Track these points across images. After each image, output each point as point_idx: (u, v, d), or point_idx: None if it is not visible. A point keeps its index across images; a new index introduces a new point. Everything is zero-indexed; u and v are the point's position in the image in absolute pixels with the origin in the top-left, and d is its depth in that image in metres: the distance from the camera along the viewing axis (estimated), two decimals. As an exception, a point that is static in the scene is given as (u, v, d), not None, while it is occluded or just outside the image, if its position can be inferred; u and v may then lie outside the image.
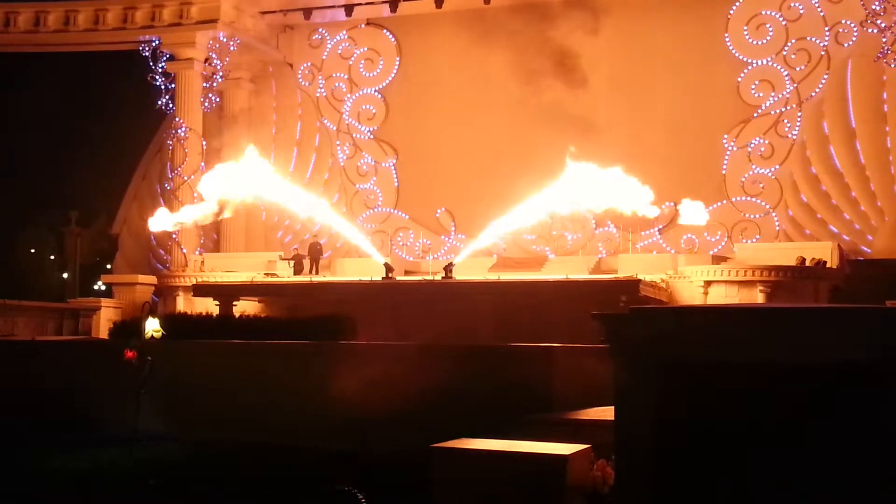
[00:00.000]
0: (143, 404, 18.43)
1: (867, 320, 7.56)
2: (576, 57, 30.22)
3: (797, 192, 28.76)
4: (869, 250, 27.62)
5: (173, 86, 32.55)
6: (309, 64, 34.52)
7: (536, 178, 30.82)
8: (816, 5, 28.97)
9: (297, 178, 33.98)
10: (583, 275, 26.07)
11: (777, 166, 29.16)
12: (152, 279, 31.40)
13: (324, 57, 34.34)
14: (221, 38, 32.47)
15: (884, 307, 9.99)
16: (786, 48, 29.26)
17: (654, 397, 7.77)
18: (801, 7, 29.16)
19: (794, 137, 29.02)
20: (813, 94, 28.87)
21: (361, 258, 31.23)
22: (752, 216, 29.33)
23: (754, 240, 28.78)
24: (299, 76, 34.58)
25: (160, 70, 32.53)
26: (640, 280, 23.98)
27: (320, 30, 34.41)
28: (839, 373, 7.27)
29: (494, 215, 31.08)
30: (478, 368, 17.54)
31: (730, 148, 29.59)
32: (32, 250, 42.07)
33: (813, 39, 28.99)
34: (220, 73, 33.08)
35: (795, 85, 29.09)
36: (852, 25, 28.14)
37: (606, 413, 9.33)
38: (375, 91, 33.78)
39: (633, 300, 22.19)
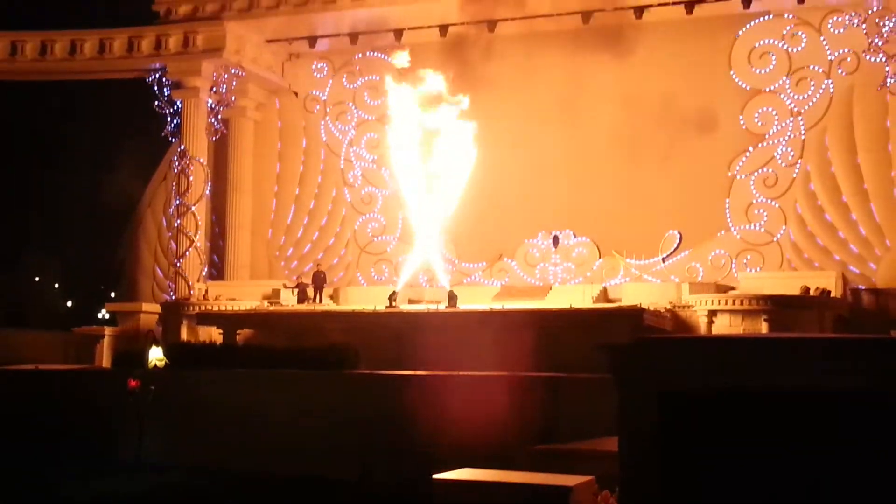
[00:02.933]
0: (145, 433, 18.42)
1: (871, 350, 7.55)
2: (579, 87, 30.44)
3: (801, 221, 28.75)
4: (874, 279, 27.54)
5: (179, 115, 32.69)
6: (314, 92, 34.66)
7: (536, 203, 31.01)
8: (819, 35, 29.07)
9: (303, 204, 34.06)
10: (587, 304, 26.04)
11: (781, 195, 29.15)
12: (156, 307, 31.38)
13: (328, 85, 34.48)
14: (226, 67, 32.66)
15: (888, 337, 9.97)
16: (789, 77, 29.34)
17: (658, 427, 7.74)
18: (804, 36, 29.27)
19: (798, 166, 29.04)
20: (816, 123, 28.90)
21: (367, 287, 31.29)
22: (754, 246, 29.25)
23: (758, 269, 28.72)
24: (304, 104, 34.70)
25: (166, 98, 32.69)
26: (643, 309, 23.95)
27: (322, 63, 34.57)
28: (843, 402, 7.25)
29: (496, 242, 31.17)
30: (482, 398, 17.50)
31: (734, 177, 29.60)
32: (37, 278, 42.10)
33: (816, 68, 29.08)
34: (226, 102, 33.24)
35: (799, 114, 29.14)
36: (855, 55, 28.21)
37: (611, 443, 9.27)
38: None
39: (636, 329, 22.14)
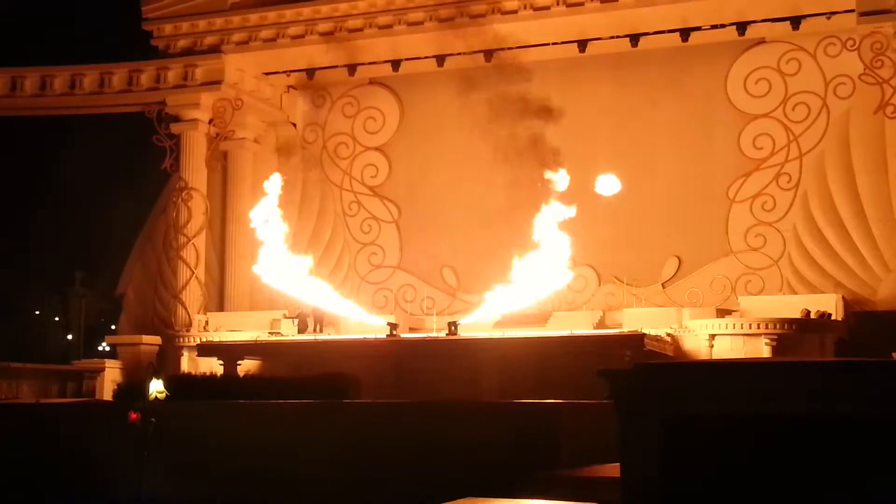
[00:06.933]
0: (146, 466, 18.34)
1: (872, 374, 7.53)
2: (575, 115, 30.55)
3: (801, 244, 28.75)
4: (875, 302, 27.49)
5: (178, 148, 32.81)
6: (312, 123, 34.77)
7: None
8: (814, 60, 29.19)
9: (301, 235, 34.09)
10: (587, 330, 26.01)
11: (780, 219, 29.17)
12: (157, 339, 31.37)
13: (327, 116, 34.59)
14: (225, 99, 32.81)
15: (890, 360, 9.97)
16: (786, 102, 29.45)
17: (659, 453, 7.72)
18: (799, 60, 29.39)
19: (796, 190, 29.07)
20: (814, 147, 28.98)
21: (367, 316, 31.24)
22: (755, 270, 29.24)
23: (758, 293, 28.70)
24: (302, 135, 34.81)
25: (165, 131, 32.80)
26: (644, 334, 23.94)
27: (320, 94, 34.73)
28: (844, 426, 7.23)
29: (497, 272, 31.14)
30: (483, 425, 17.44)
31: (732, 201, 29.64)
32: (37, 312, 42.05)
33: (812, 93, 29.19)
34: (225, 134, 33.36)
35: (796, 138, 29.22)
36: (850, 79, 28.30)
37: (613, 470, 9.25)
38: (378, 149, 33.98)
39: (637, 355, 22.13)
